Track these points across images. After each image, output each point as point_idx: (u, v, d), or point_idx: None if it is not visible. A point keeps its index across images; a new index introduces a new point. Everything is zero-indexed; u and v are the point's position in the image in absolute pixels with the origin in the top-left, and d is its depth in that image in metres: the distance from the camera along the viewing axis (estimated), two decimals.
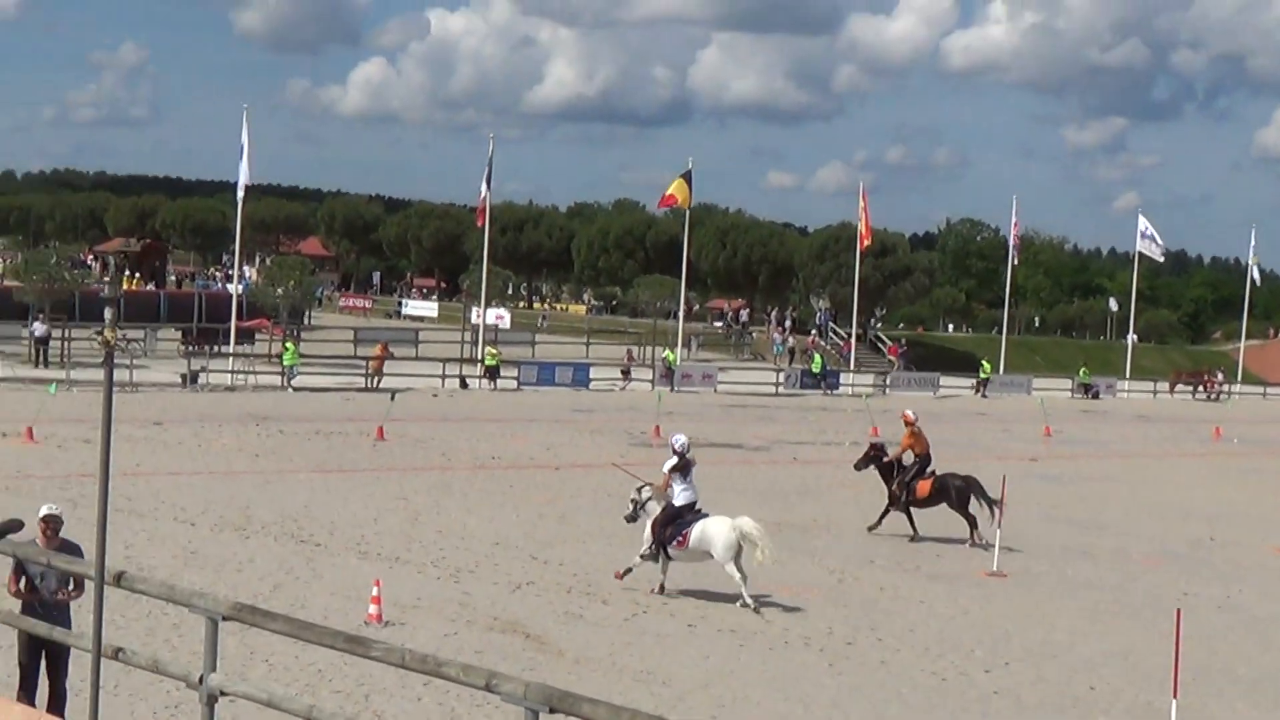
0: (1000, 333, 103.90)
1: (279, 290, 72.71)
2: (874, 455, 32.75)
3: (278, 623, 13.07)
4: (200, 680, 12.77)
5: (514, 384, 66.00)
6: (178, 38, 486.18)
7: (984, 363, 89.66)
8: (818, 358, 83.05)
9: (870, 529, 31.96)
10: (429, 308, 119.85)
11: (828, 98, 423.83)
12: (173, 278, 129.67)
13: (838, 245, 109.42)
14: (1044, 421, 60.18)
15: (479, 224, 75.79)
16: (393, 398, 48.58)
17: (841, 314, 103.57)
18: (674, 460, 25.00)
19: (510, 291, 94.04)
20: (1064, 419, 65.92)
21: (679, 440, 25.80)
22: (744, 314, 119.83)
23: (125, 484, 30.32)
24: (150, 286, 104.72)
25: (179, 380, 57.28)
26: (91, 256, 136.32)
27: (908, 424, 32.60)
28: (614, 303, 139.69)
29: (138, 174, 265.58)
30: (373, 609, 21.01)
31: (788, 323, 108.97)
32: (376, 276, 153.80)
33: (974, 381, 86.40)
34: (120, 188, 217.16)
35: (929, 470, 31.89)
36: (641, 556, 24.74)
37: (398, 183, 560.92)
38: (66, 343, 61.95)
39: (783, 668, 20.26)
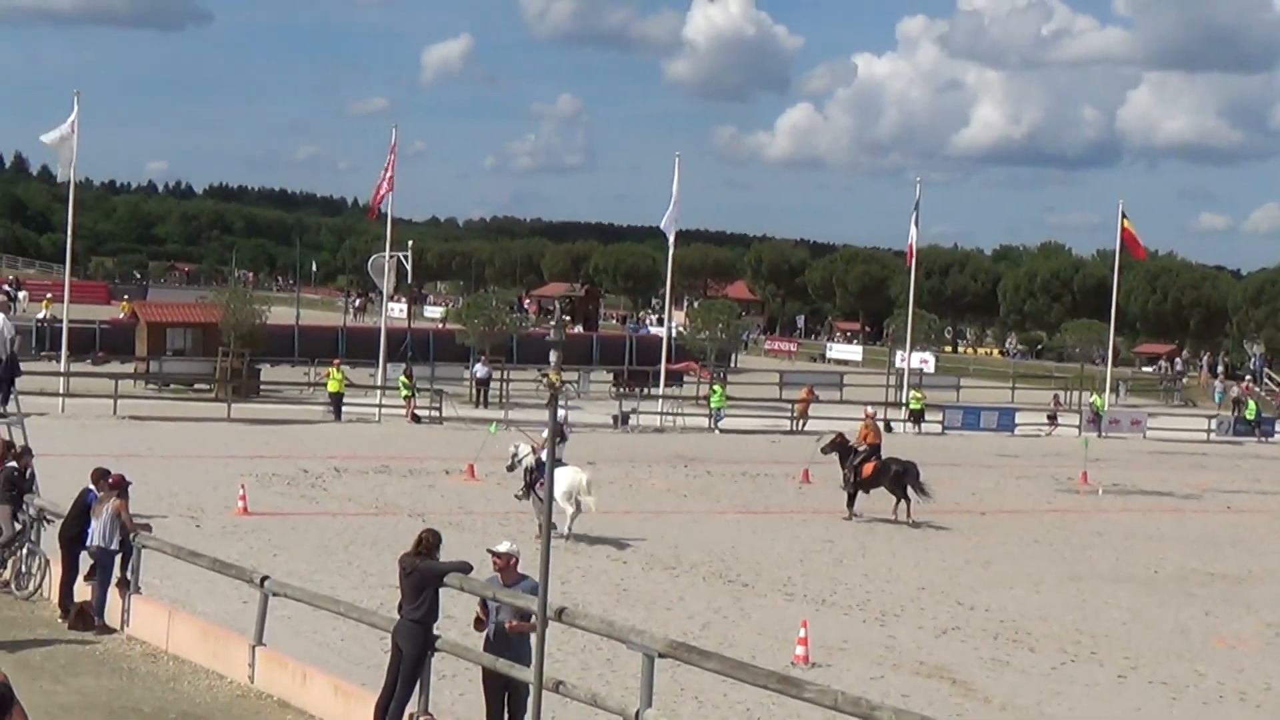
0: None
1: (707, 333, 73.85)
2: (839, 442, 38.21)
3: (712, 661, 13.41)
4: (636, 715, 13.18)
5: (938, 428, 65.65)
6: (611, 88, 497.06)
7: None
8: (1252, 404, 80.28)
9: (846, 519, 36.54)
10: (853, 351, 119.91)
11: (1264, 136, 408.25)
12: (614, 321, 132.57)
13: (1274, 289, 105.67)
14: None
15: (907, 264, 75.62)
16: (819, 440, 48.84)
17: (1277, 359, 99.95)
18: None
19: (934, 335, 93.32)
20: None
21: (559, 414, 30.16)
22: (1178, 360, 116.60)
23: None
24: (579, 329, 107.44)
25: (610, 421, 58.60)
26: (528, 300, 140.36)
27: (867, 417, 39.07)
28: (1039, 347, 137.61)
29: (572, 220, 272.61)
30: (800, 650, 21.30)
31: (1220, 368, 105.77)
32: (801, 320, 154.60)
33: None
34: (555, 234, 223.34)
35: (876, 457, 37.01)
36: (516, 497, 31.79)
37: (823, 227, 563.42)
38: (505, 384, 64.02)
39: None
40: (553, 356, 14.17)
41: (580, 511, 30.88)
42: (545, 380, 13.64)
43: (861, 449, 37.40)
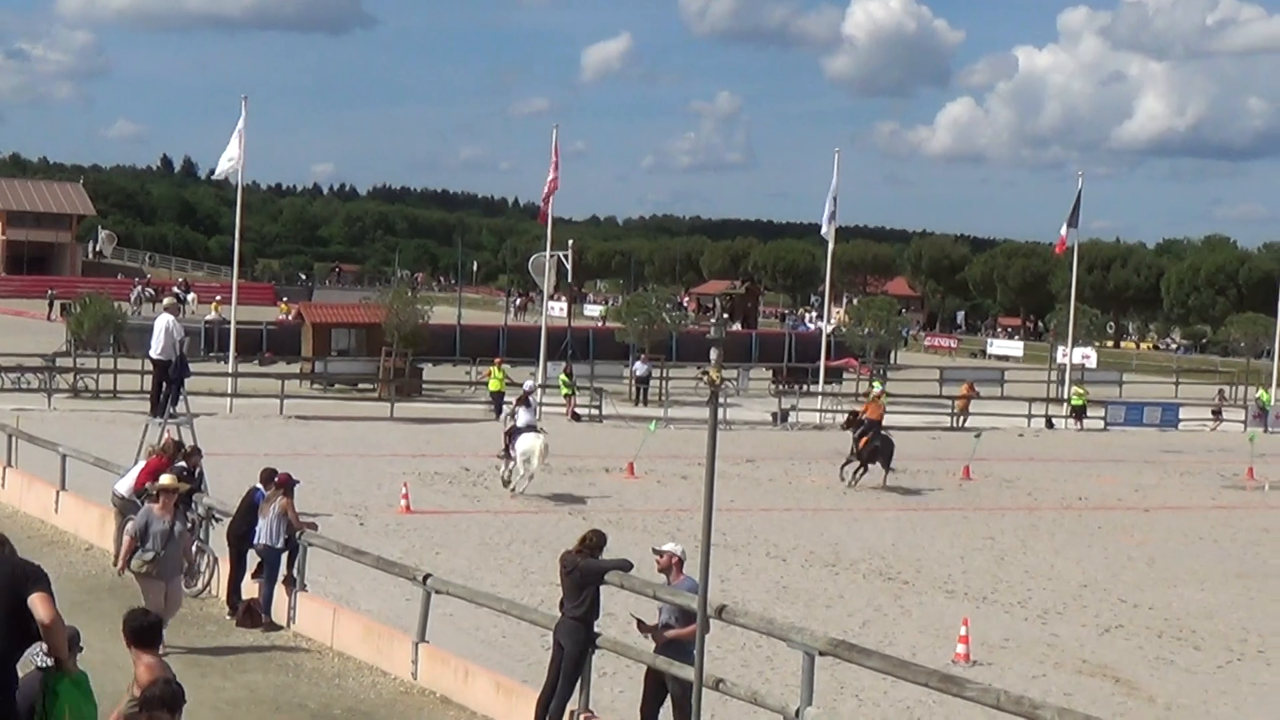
0: None
1: (866, 330, 73.56)
2: (851, 419, 42.56)
3: (873, 659, 13.40)
4: (797, 714, 13.19)
5: (1101, 424, 64.87)
6: (771, 85, 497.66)
7: None
8: None
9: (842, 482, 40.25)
10: (1014, 347, 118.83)
11: None
12: (773, 319, 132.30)
13: None
14: None
15: (1058, 251, 74.66)
16: (978, 436, 48.54)
17: None
18: (520, 396, 38.13)
19: (1095, 331, 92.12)
20: None
21: (528, 384, 40.30)
22: None
23: (720, 519, 31.10)
24: (739, 326, 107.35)
25: (769, 418, 58.55)
26: (687, 298, 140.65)
27: (874, 396, 44.21)
28: (1204, 341, 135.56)
29: (731, 218, 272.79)
30: (961, 648, 21.21)
31: None
32: (961, 316, 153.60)
33: None
34: (714, 231, 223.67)
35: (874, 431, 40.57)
36: (498, 457, 36.61)
37: (984, 222, 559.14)
38: (665, 382, 64.21)
39: None
40: (713, 354, 14.14)
41: (528, 473, 35.00)
42: (706, 377, 13.63)
43: (864, 422, 41.00)
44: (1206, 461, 51.49)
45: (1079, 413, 65.13)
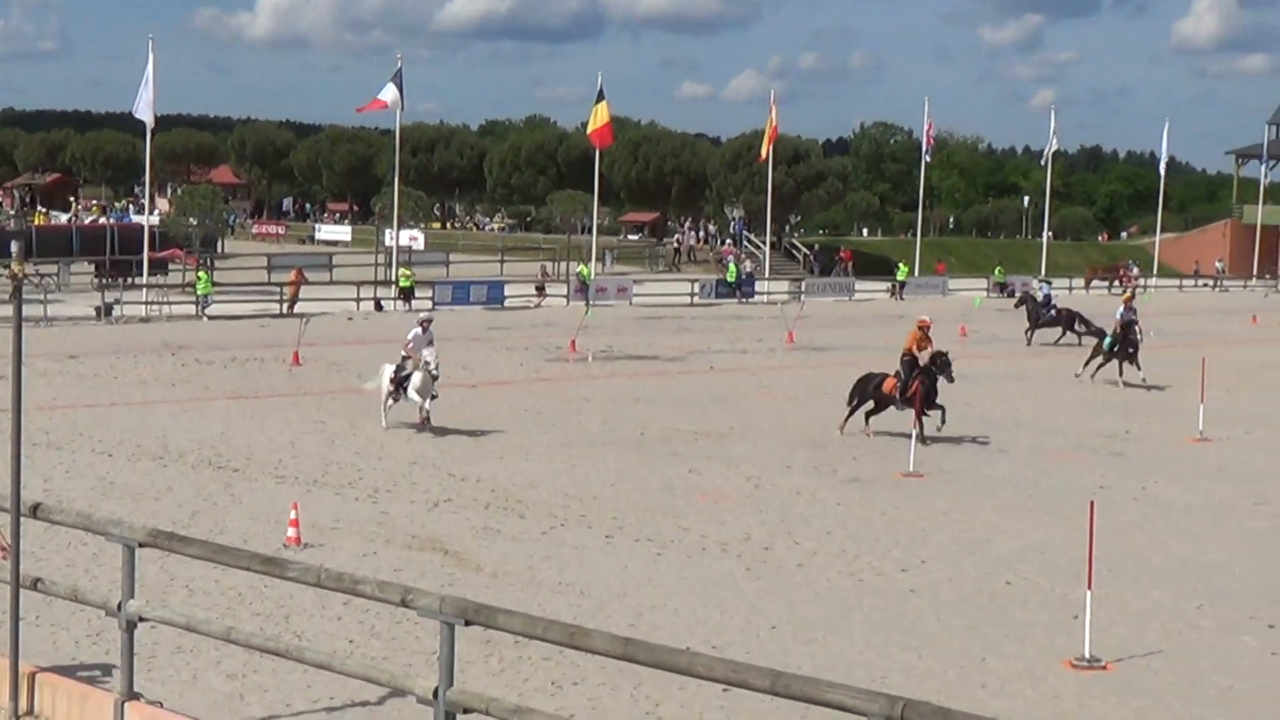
0: (915, 235, 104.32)
1: (191, 220, 72.32)
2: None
3: (194, 547, 13.17)
4: (119, 607, 12.85)
5: (429, 304, 65.87)
6: None
7: (900, 265, 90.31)
8: (732, 267, 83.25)
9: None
10: (342, 232, 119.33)
11: (741, 5, 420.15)
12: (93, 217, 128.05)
13: (750, 154, 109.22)
14: (960, 321, 60.29)
15: (359, 111, 74.51)
16: (306, 322, 48.49)
17: (755, 222, 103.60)
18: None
19: (421, 213, 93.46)
20: (981, 319, 65.49)
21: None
22: (692, 232, 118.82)
23: (42, 418, 30.29)
24: (63, 220, 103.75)
25: (93, 313, 56.92)
26: (2, 193, 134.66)
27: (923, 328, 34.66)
28: (528, 219, 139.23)
29: (47, 108, 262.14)
30: (291, 531, 21.13)
31: (702, 233, 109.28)
32: (288, 202, 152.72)
33: (890, 284, 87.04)
34: (28, 123, 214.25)
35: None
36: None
37: (308, 108, 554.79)
38: None
39: (700, 575, 20.46)
40: (14, 247, 13.53)
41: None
42: (8, 272, 13.05)
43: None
44: (532, 336, 53.01)
45: (407, 294, 66.05)
